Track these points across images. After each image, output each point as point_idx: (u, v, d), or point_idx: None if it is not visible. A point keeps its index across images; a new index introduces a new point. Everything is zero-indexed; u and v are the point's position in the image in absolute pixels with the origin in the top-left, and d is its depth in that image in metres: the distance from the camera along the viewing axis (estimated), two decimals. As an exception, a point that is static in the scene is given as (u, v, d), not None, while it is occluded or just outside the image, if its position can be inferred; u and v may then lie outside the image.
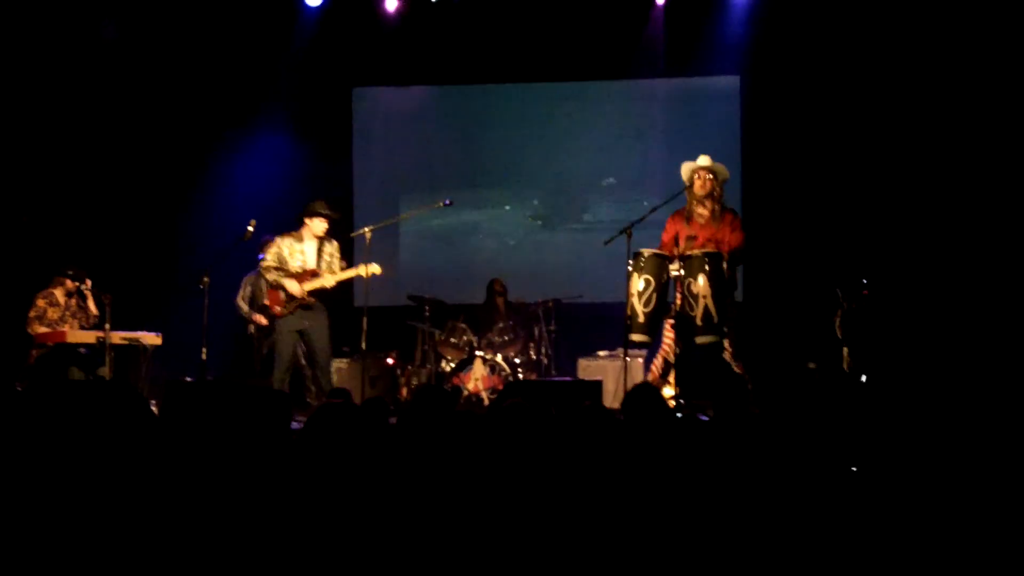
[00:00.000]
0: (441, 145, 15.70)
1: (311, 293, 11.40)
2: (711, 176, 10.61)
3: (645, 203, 14.52)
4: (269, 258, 11.56)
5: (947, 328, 12.15)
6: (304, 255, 11.53)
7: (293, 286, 11.37)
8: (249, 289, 13.11)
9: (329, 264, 11.53)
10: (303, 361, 11.97)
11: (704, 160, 10.71)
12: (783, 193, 14.20)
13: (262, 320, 12.34)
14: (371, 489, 4.43)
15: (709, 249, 10.19)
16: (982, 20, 13.19)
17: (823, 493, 4.45)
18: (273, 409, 7.21)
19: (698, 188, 10.59)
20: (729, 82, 14.99)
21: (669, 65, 14.91)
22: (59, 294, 12.40)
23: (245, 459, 4.68)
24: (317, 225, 11.51)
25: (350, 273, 11.48)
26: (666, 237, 10.66)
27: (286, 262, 11.47)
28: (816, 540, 4.10)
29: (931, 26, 13.47)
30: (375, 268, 11.41)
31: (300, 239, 11.56)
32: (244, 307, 12.98)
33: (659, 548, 4.05)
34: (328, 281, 11.42)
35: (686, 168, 10.79)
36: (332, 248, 11.62)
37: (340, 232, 12.10)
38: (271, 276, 11.50)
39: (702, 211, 10.59)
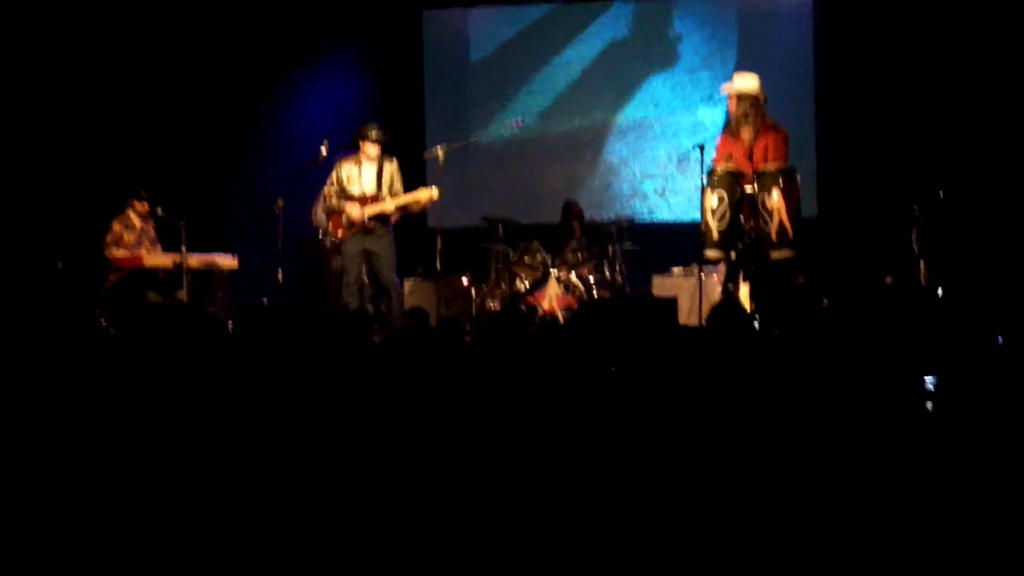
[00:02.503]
0: (513, 65, 15.65)
1: (372, 218, 11.39)
2: (740, 100, 10.49)
3: (719, 121, 14.52)
4: (330, 183, 11.58)
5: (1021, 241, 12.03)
6: (362, 179, 11.52)
7: (354, 210, 11.35)
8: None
9: (390, 185, 11.49)
10: (367, 283, 11.89)
11: (727, 85, 10.59)
12: (857, 108, 14.04)
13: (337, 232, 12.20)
14: (448, 413, 4.45)
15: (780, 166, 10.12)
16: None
17: (897, 414, 4.41)
18: (351, 330, 7.27)
19: (732, 111, 10.51)
20: (802, 2, 14.82)
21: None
22: (134, 217, 12.48)
23: (324, 381, 4.72)
24: (370, 148, 11.47)
25: (409, 198, 11.44)
26: (717, 156, 10.57)
27: (346, 187, 11.47)
28: (889, 464, 4.06)
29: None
30: (434, 192, 11.39)
31: (358, 162, 11.52)
32: (323, 218, 12.82)
33: (737, 465, 4.05)
34: (388, 206, 11.37)
35: (723, 90, 10.71)
36: (391, 168, 11.54)
37: (412, 151, 12.10)
38: (333, 201, 11.51)
39: (745, 133, 10.49)
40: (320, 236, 12.70)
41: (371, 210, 11.32)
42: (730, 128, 10.57)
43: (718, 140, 10.71)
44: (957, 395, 4.45)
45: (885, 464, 4.03)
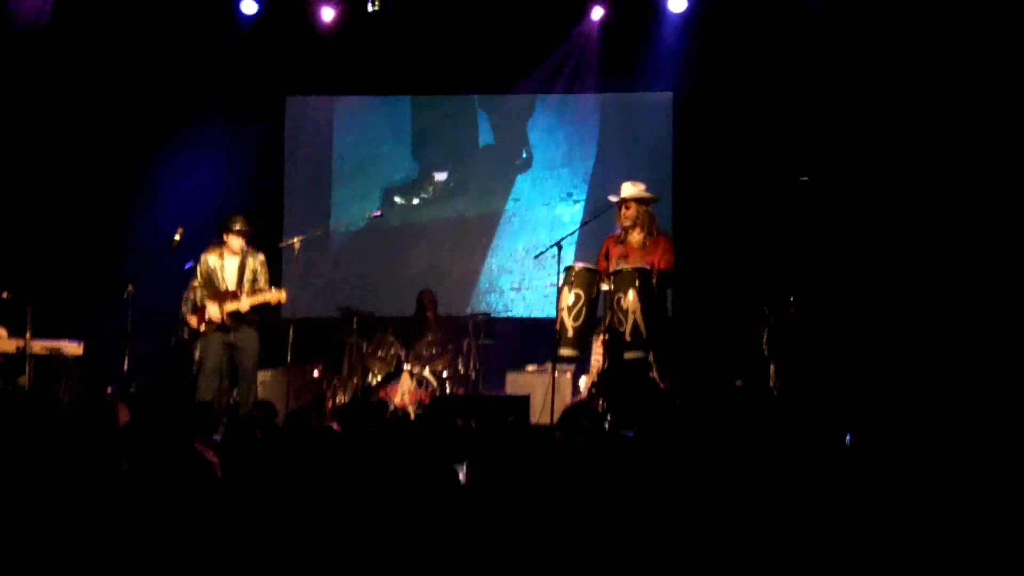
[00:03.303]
0: (375, 155, 15.62)
1: (230, 315, 11.30)
2: (634, 205, 10.60)
3: (577, 218, 14.63)
4: (197, 276, 11.49)
5: (871, 345, 12.21)
6: (224, 272, 11.45)
7: (212, 310, 11.37)
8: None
9: (252, 281, 11.44)
10: (224, 372, 11.72)
11: (626, 190, 10.70)
12: (713, 209, 14.21)
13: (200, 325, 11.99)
14: (288, 505, 4.38)
15: (637, 266, 10.18)
16: (912, 46, 13.30)
17: (748, 509, 4.43)
18: (197, 419, 7.15)
19: (624, 218, 10.61)
20: (662, 98, 15.01)
21: (603, 80, 14.92)
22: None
23: (164, 470, 4.61)
24: (233, 241, 11.46)
25: (259, 299, 11.41)
26: (601, 258, 10.65)
27: (210, 280, 11.38)
28: (739, 556, 4.09)
29: (858, 49, 13.55)
30: (282, 295, 11.41)
31: (221, 256, 11.51)
32: (186, 312, 12.53)
33: (582, 563, 4.02)
34: (243, 305, 11.34)
35: (614, 198, 10.81)
36: (255, 263, 11.54)
37: (269, 242, 12.02)
38: (196, 295, 11.46)
39: (635, 237, 10.59)
40: (185, 335, 12.40)
41: (228, 307, 11.25)
42: (618, 234, 10.65)
43: (603, 243, 10.78)
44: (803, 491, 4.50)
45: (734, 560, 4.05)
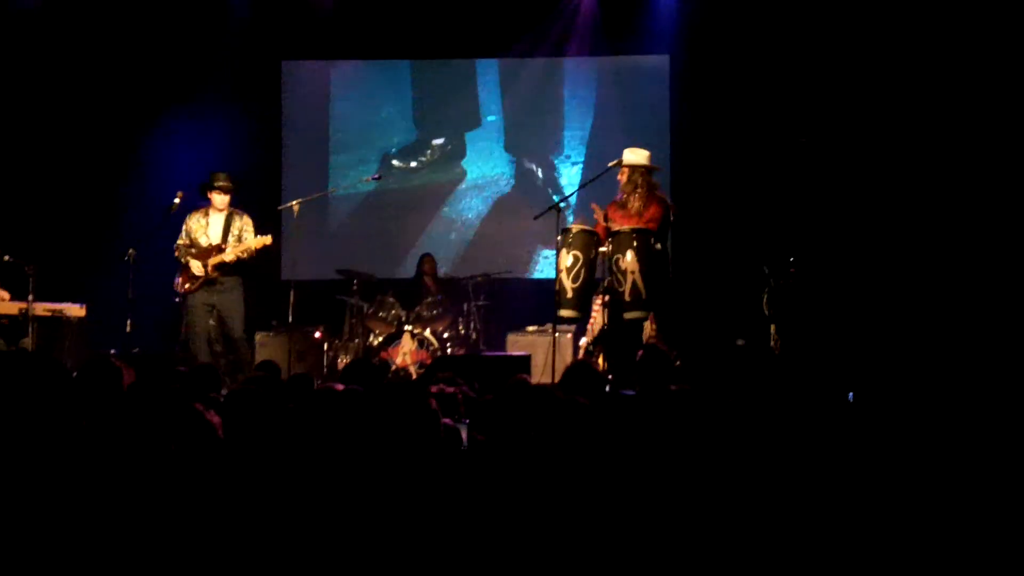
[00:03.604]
0: (372, 119, 15.62)
1: (216, 268, 11.30)
2: (632, 170, 10.60)
3: (575, 180, 14.64)
4: (181, 236, 11.51)
5: (873, 307, 12.24)
6: (209, 229, 11.47)
7: (195, 265, 11.35)
8: None
9: (239, 238, 11.45)
10: (213, 336, 11.70)
11: (627, 157, 10.69)
12: (712, 171, 14.21)
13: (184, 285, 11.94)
14: (293, 467, 4.40)
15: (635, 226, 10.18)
16: (911, 6, 13.30)
17: (748, 471, 4.45)
18: (199, 382, 7.16)
19: (623, 183, 10.60)
20: (659, 61, 15.00)
21: (600, 44, 14.91)
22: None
23: (169, 432, 4.63)
24: (216, 198, 11.48)
25: (244, 247, 11.38)
26: (601, 222, 10.65)
27: (195, 238, 11.39)
28: (738, 518, 4.11)
29: (857, 8, 13.55)
30: (266, 239, 11.37)
31: (206, 214, 11.53)
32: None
33: (582, 523, 4.04)
34: (228, 256, 11.32)
35: (614, 163, 10.79)
36: (241, 222, 11.54)
37: (269, 203, 12.02)
38: (179, 254, 11.47)
39: (633, 203, 10.58)
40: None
41: (213, 260, 11.24)
42: (618, 200, 10.64)
43: (606, 208, 10.76)
44: (809, 451, 4.52)
45: (736, 524, 4.06)
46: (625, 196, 10.61)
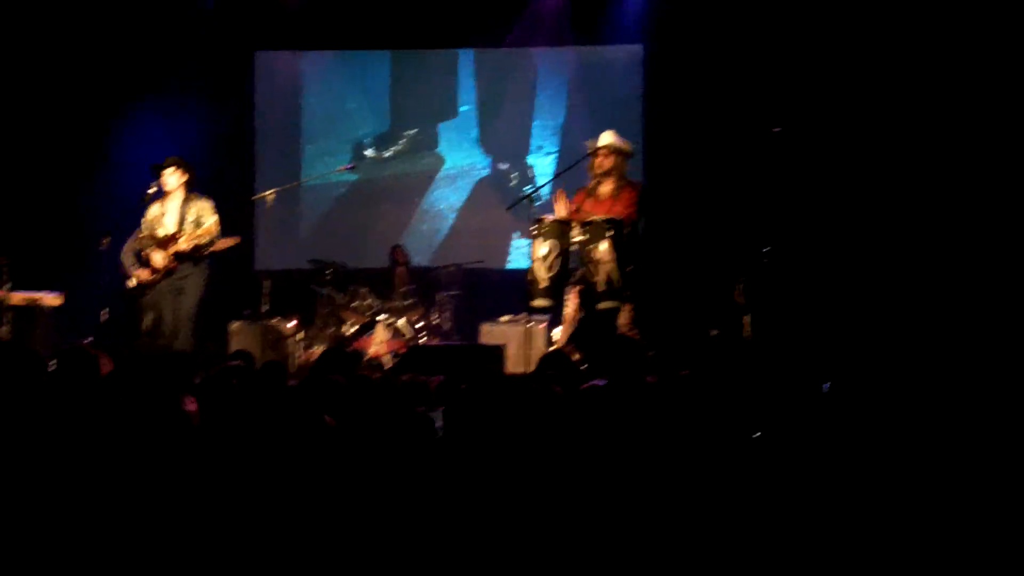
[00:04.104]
0: (344, 110, 15.62)
1: (176, 258, 11.06)
2: (609, 153, 10.61)
3: (549, 170, 14.66)
4: (142, 228, 11.26)
5: (847, 296, 12.30)
6: (165, 218, 11.18)
7: (156, 258, 11.06)
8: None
9: (196, 224, 11.11)
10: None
11: (605, 138, 10.71)
12: (685, 161, 14.23)
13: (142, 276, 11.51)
14: (270, 456, 4.41)
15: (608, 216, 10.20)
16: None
17: (720, 462, 4.48)
18: (175, 369, 7.17)
19: (597, 167, 10.60)
20: (633, 51, 15.03)
21: (573, 34, 14.92)
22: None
23: (141, 421, 4.64)
24: (167, 180, 11.18)
25: (200, 235, 11.05)
26: (572, 212, 10.65)
27: (154, 229, 11.21)
28: (710, 511, 4.13)
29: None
30: (234, 239, 11.28)
31: (163, 202, 11.24)
32: (128, 260, 11.86)
33: (557, 512, 4.06)
34: (182, 244, 11.01)
35: (589, 146, 10.80)
36: (198, 207, 11.18)
37: (242, 193, 11.99)
38: (140, 246, 11.22)
39: (604, 188, 10.60)
40: (128, 285, 12.11)
41: (170, 250, 11.01)
42: (588, 186, 10.65)
43: (573, 196, 10.76)
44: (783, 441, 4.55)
45: (709, 515, 4.09)
46: (596, 182, 10.62)
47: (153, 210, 11.22)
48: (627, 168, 10.76)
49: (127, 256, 11.57)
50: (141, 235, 11.21)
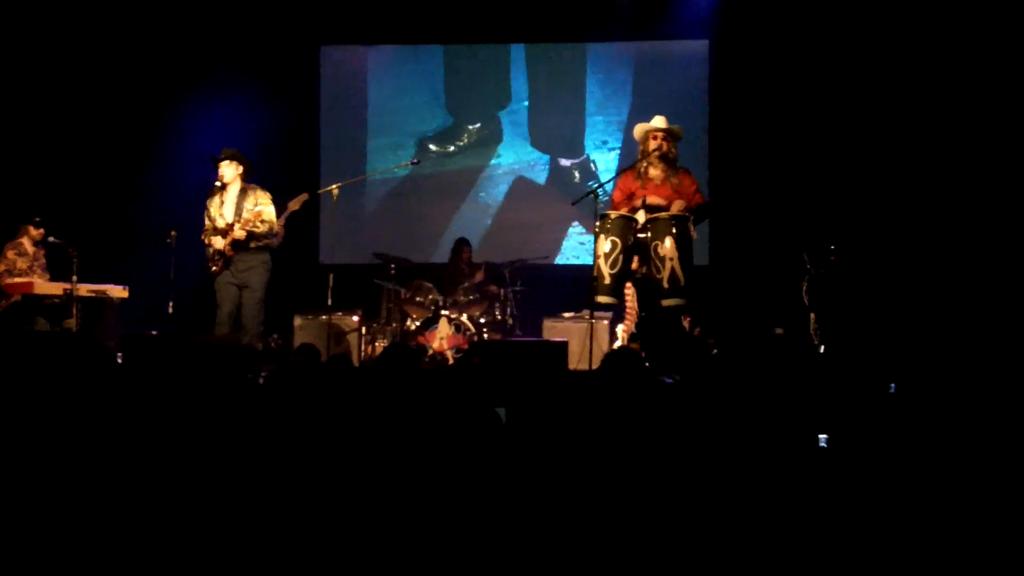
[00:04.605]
0: (409, 103, 15.66)
1: (233, 247, 11.14)
2: (665, 137, 10.58)
3: (612, 166, 14.64)
4: (205, 220, 11.37)
5: (912, 296, 12.21)
6: (223, 208, 11.29)
7: (217, 241, 11.17)
8: None
9: (252, 213, 11.20)
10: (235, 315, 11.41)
11: (658, 121, 10.68)
12: (750, 158, 14.19)
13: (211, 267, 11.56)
14: (334, 447, 4.42)
15: (675, 212, 10.18)
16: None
17: (787, 461, 4.45)
18: (239, 363, 7.20)
19: (652, 149, 10.55)
20: (698, 46, 14.98)
21: (638, 28, 14.90)
22: (27, 243, 12.40)
23: (208, 413, 4.66)
24: (223, 171, 11.29)
25: (255, 217, 11.11)
26: (618, 195, 10.62)
27: (213, 220, 11.29)
28: (779, 509, 4.11)
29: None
30: (302, 196, 11.29)
31: (221, 193, 11.33)
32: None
33: (625, 512, 4.05)
34: (237, 232, 11.11)
35: (639, 129, 10.76)
36: (256, 197, 11.29)
37: (308, 187, 12.01)
38: (204, 237, 11.32)
39: (655, 172, 10.54)
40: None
41: (227, 239, 11.11)
42: (636, 168, 10.61)
43: (617, 180, 10.75)
44: (848, 443, 4.51)
45: (773, 516, 4.06)
46: (646, 165, 10.57)
47: (213, 201, 11.34)
48: (678, 154, 10.73)
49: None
50: (207, 228, 11.31)
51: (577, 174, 15.24)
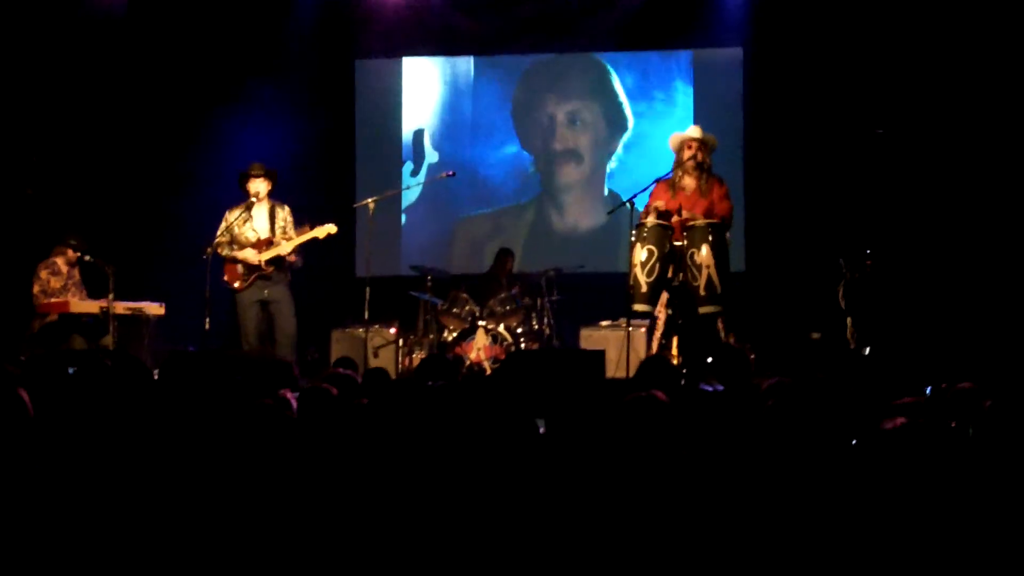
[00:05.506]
0: (444, 115, 15.68)
1: (269, 262, 11.19)
2: (701, 146, 10.56)
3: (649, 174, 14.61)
4: (219, 234, 11.35)
5: (950, 300, 12.14)
6: (255, 222, 11.32)
7: (250, 254, 11.18)
8: None
9: (283, 230, 11.29)
10: (265, 332, 11.45)
11: (694, 131, 10.69)
12: (787, 164, 14.14)
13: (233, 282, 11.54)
14: (373, 460, 4.42)
15: (710, 220, 10.16)
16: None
17: (831, 468, 4.41)
18: (276, 378, 7.20)
19: (687, 158, 10.54)
20: (733, 54, 14.96)
21: (672, 37, 14.90)
22: (61, 263, 12.43)
23: (244, 429, 4.67)
24: (253, 187, 11.29)
25: (305, 236, 11.20)
26: (648, 204, 10.61)
27: (237, 234, 11.28)
28: (822, 521, 4.07)
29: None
30: (331, 227, 11.23)
31: (248, 207, 11.32)
32: None
33: (665, 524, 4.02)
34: (284, 248, 11.14)
35: (675, 139, 10.76)
36: (284, 213, 11.37)
37: (343, 200, 12.05)
38: (224, 252, 11.29)
39: (689, 181, 10.53)
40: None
41: (267, 254, 11.13)
42: (670, 178, 10.60)
43: (652, 188, 10.74)
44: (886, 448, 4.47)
45: (811, 521, 4.03)
46: (680, 174, 10.56)
47: (236, 214, 11.35)
48: (712, 164, 10.71)
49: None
50: (219, 241, 11.28)
51: (612, 183, 15.21)
